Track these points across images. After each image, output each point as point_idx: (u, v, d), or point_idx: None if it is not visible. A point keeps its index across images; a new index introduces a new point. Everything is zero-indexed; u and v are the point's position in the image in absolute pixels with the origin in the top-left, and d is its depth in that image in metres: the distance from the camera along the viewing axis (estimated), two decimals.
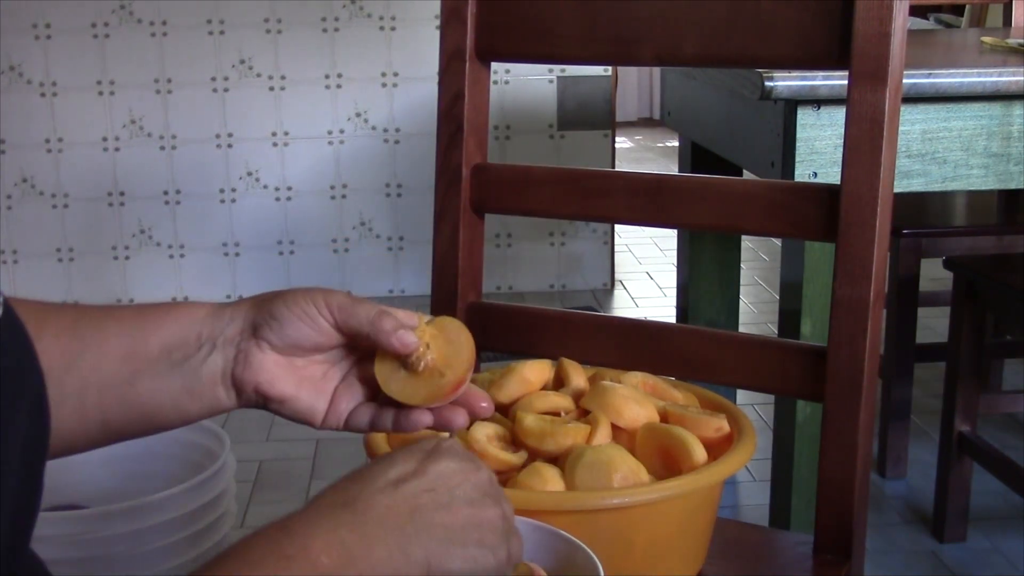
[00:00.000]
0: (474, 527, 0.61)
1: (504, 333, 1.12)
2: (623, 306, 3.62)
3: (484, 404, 0.73)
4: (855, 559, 0.96)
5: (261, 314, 0.70)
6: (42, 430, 0.56)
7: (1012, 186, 1.64)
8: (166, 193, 3.58)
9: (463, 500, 0.62)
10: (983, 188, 1.65)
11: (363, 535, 0.57)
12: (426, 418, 0.72)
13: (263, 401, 0.71)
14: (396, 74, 3.54)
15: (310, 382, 0.72)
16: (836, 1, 0.93)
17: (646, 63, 1.06)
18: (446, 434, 0.77)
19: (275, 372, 0.70)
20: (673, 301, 2.72)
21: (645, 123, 6.79)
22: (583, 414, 0.91)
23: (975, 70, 1.58)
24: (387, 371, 0.72)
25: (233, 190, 3.59)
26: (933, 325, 3.14)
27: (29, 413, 0.54)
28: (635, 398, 0.90)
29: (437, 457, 0.64)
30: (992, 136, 1.60)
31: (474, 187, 1.11)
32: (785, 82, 1.51)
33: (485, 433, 0.87)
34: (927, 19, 3.87)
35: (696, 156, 2.23)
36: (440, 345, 0.72)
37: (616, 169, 3.18)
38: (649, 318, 1.21)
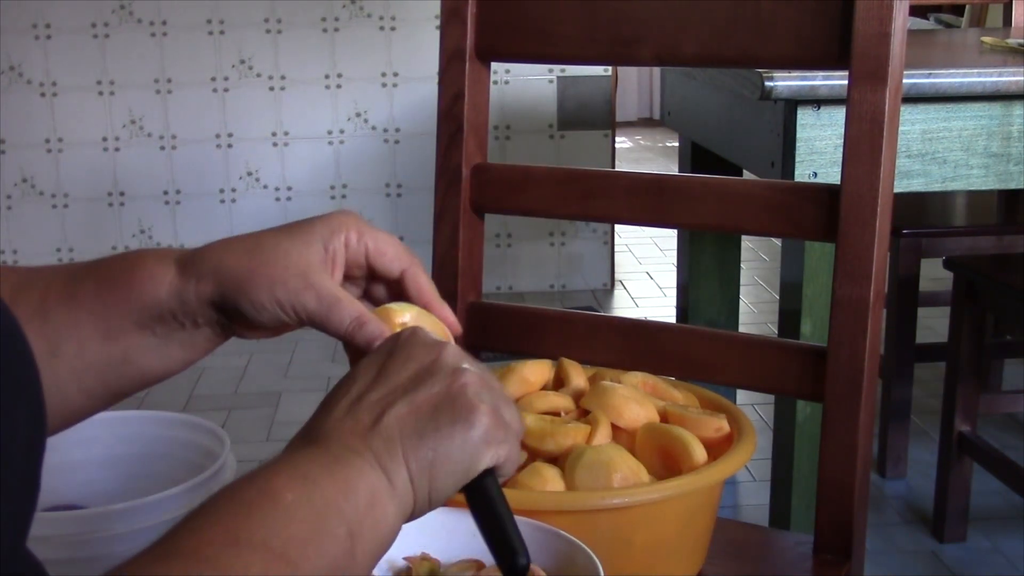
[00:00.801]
0: (444, 404, 0.58)
1: (504, 333, 1.12)
2: (623, 306, 3.62)
3: None
4: (855, 559, 0.96)
5: (228, 304, 0.67)
6: (39, 427, 0.56)
7: (1012, 186, 1.64)
8: (166, 193, 3.59)
9: (426, 384, 0.59)
10: (983, 188, 1.65)
11: (324, 465, 0.55)
12: None
13: None
14: (396, 74, 3.54)
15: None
16: (836, 1, 0.93)
17: (646, 63, 1.06)
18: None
19: (266, 334, 0.70)
20: (673, 301, 2.72)
21: (645, 123, 6.79)
22: (583, 414, 0.91)
23: (975, 70, 1.58)
24: None
25: (233, 190, 3.60)
26: (933, 325, 3.14)
27: (28, 410, 0.54)
28: (635, 398, 0.90)
29: (395, 353, 0.61)
30: (992, 136, 1.60)
31: (474, 187, 1.11)
32: (785, 82, 1.51)
33: None
34: (927, 19, 3.87)
35: (696, 156, 2.23)
36: None
37: (616, 169, 3.18)
38: (649, 318, 1.21)
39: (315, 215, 0.72)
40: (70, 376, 0.67)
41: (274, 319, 0.67)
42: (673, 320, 2.65)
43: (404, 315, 0.70)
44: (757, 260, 4.02)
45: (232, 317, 0.68)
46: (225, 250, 0.69)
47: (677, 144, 2.43)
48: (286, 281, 0.66)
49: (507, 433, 0.60)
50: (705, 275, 2.31)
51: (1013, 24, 2.67)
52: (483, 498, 0.60)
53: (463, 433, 0.58)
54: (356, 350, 0.67)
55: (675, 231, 2.67)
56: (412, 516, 0.58)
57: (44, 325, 0.67)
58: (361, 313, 0.66)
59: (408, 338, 0.62)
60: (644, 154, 6.06)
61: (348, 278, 0.72)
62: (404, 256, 0.72)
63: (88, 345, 0.68)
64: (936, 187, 1.62)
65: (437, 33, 1.14)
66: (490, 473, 0.60)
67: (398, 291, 0.73)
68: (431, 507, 0.58)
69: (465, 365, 0.60)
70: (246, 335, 0.70)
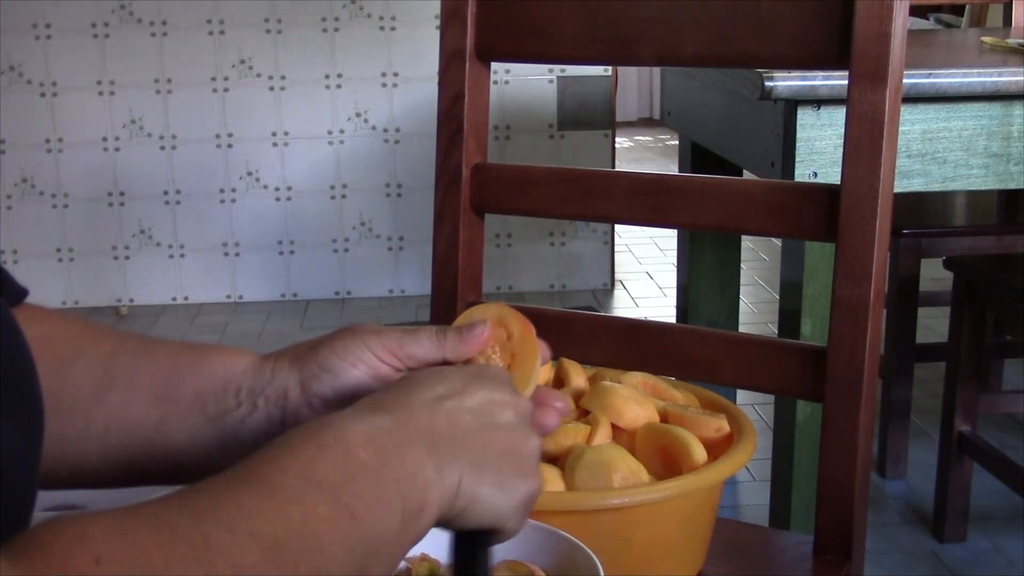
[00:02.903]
0: (511, 455, 0.59)
1: None
2: (623, 306, 3.62)
3: (559, 404, 0.68)
4: (855, 559, 0.96)
5: (308, 367, 0.67)
6: (35, 434, 0.55)
7: (1012, 186, 1.64)
8: (166, 193, 3.59)
9: (505, 427, 0.60)
10: (983, 188, 1.65)
11: (398, 442, 0.55)
12: None
13: None
14: (396, 74, 3.54)
15: None
16: (836, 1, 0.93)
17: (646, 63, 1.06)
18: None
19: (337, 398, 0.68)
20: (673, 301, 2.72)
21: (645, 123, 6.79)
22: (583, 414, 0.91)
23: (975, 70, 1.58)
24: None
25: (233, 190, 3.60)
26: (933, 325, 3.14)
27: (21, 409, 0.53)
28: (635, 398, 0.90)
29: (483, 380, 0.62)
30: (992, 136, 1.60)
31: (474, 187, 1.11)
32: (785, 82, 1.51)
33: None
34: (927, 19, 3.87)
35: (696, 156, 2.23)
36: (506, 344, 0.70)
37: (616, 169, 3.18)
38: (649, 318, 1.21)
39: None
40: (101, 428, 0.66)
41: (360, 366, 0.66)
42: (673, 320, 2.65)
43: (487, 311, 0.71)
44: (757, 260, 4.02)
45: (311, 388, 0.67)
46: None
47: (677, 144, 2.43)
48: (368, 329, 0.67)
49: (525, 516, 0.61)
50: (705, 275, 2.31)
51: (1013, 24, 2.67)
52: (471, 554, 0.60)
53: (514, 490, 0.59)
54: None
55: (675, 231, 2.67)
56: (437, 522, 0.58)
57: (105, 372, 0.67)
58: (443, 327, 0.68)
59: (496, 373, 0.64)
60: (644, 154, 6.06)
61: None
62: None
63: (134, 401, 0.67)
64: (936, 187, 1.62)
65: (437, 33, 1.14)
66: (490, 534, 0.60)
67: None
68: (452, 523, 0.58)
69: (535, 429, 0.62)
70: (312, 409, 0.68)
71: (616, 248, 3.86)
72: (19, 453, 0.52)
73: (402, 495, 0.53)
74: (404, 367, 0.67)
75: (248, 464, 0.50)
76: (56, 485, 0.68)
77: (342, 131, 3.57)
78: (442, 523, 0.58)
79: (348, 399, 0.66)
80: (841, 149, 0.93)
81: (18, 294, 0.67)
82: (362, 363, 0.66)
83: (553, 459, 0.86)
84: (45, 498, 0.58)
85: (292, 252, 3.63)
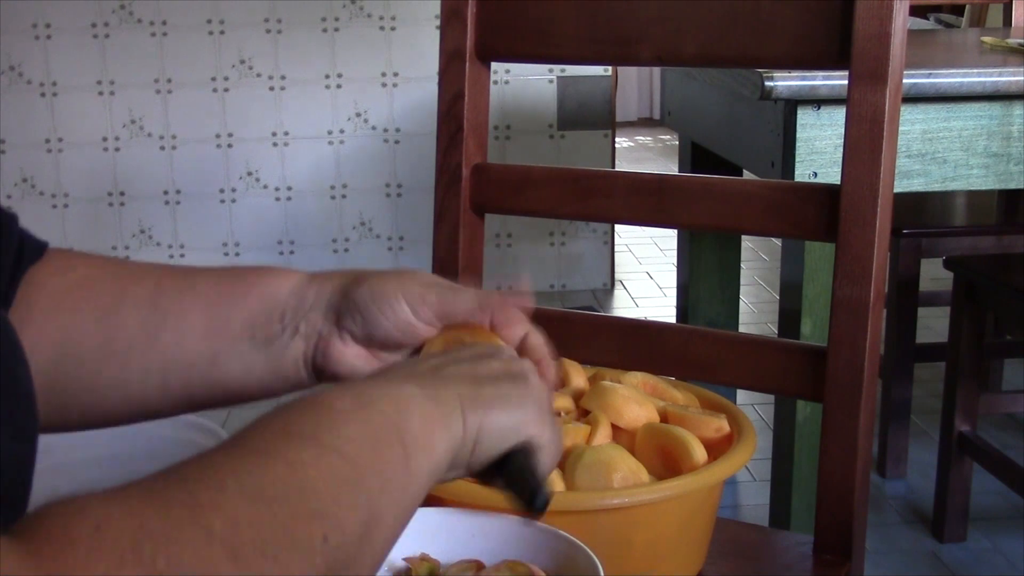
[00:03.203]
0: (504, 375, 0.60)
1: None
2: (623, 306, 3.62)
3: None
4: (855, 559, 0.96)
5: (345, 302, 0.68)
6: (29, 444, 0.55)
7: (1012, 186, 1.64)
8: (166, 193, 3.59)
9: (488, 361, 0.60)
10: (983, 188, 1.65)
11: (382, 386, 0.55)
12: None
13: None
14: (396, 74, 3.54)
15: None
16: (836, 1, 0.93)
17: (646, 63, 1.06)
18: None
19: (355, 365, 0.68)
20: (673, 301, 2.72)
21: (645, 123, 6.79)
22: (583, 414, 0.91)
23: (975, 70, 1.58)
24: None
25: (233, 190, 3.60)
26: (933, 325, 3.14)
27: (17, 414, 0.53)
28: (635, 398, 0.90)
29: (464, 349, 0.63)
30: (992, 136, 1.60)
31: (474, 187, 1.11)
32: (785, 82, 1.51)
33: None
34: (927, 19, 3.87)
35: (696, 156, 2.23)
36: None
37: (616, 169, 3.18)
38: (649, 318, 1.21)
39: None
40: (160, 367, 0.68)
41: (392, 317, 0.67)
42: (673, 320, 2.65)
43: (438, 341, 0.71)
44: (757, 260, 4.02)
45: (344, 322, 0.68)
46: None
47: (677, 144, 2.43)
48: (416, 279, 0.68)
49: (554, 426, 0.61)
50: (705, 275, 2.31)
51: (1013, 24, 2.67)
52: (514, 462, 0.59)
53: (519, 398, 0.59)
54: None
55: (675, 231, 2.67)
56: (455, 464, 0.57)
57: (152, 313, 0.68)
58: (489, 291, 0.70)
59: (483, 343, 0.65)
60: (644, 154, 6.06)
61: None
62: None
63: (187, 339, 0.68)
64: (936, 187, 1.62)
65: (437, 33, 1.14)
66: (529, 454, 0.59)
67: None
68: (473, 458, 0.57)
69: (525, 362, 0.63)
70: (342, 356, 0.68)
71: (616, 248, 3.86)
72: (15, 458, 0.52)
73: (396, 428, 0.53)
74: (439, 325, 0.68)
75: (231, 436, 0.51)
76: (121, 422, 0.70)
77: (342, 131, 3.57)
78: (462, 464, 0.57)
79: (376, 343, 0.68)
80: (841, 149, 0.93)
81: (39, 248, 0.68)
82: (394, 315, 0.67)
83: None
84: (46, 498, 0.58)
85: (292, 252, 3.63)
